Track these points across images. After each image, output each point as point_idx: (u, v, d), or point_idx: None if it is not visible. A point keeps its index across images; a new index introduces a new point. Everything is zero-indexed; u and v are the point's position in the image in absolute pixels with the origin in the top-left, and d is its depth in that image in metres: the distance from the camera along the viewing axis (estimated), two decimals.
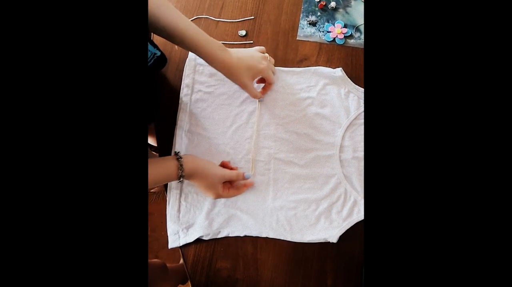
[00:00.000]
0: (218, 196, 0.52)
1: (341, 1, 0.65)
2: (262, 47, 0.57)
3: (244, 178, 0.54)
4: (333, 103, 0.59)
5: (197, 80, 0.61)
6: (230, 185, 0.54)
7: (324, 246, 0.54)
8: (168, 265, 0.78)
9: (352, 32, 0.63)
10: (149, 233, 1.14)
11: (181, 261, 0.91)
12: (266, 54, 0.57)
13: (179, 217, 0.56)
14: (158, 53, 0.54)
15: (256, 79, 0.59)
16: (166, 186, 0.58)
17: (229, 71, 0.53)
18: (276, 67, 0.61)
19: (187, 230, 0.56)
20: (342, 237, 0.53)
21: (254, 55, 0.54)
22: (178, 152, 0.52)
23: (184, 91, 0.60)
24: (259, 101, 0.58)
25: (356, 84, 0.60)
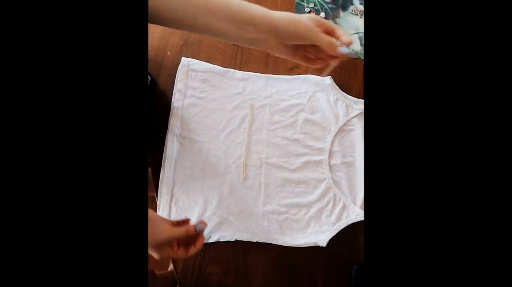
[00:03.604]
0: (162, 257, 0.43)
1: (330, 12, 0.67)
2: None
3: (195, 232, 0.44)
4: (323, 109, 0.60)
5: (189, 86, 0.61)
6: (184, 240, 0.45)
7: (314, 250, 0.55)
8: (156, 272, 0.77)
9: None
10: None
11: (170, 267, 0.90)
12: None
13: None
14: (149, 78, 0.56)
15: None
16: (156, 190, 0.58)
17: (289, 20, 0.40)
18: (267, 75, 0.63)
19: None
20: (331, 241, 0.54)
21: None
22: None
23: (176, 97, 0.61)
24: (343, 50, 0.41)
25: (344, 92, 0.62)
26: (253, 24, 0.39)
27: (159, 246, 0.41)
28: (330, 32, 0.42)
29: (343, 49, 0.40)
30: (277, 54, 0.44)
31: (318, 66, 0.45)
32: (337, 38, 0.41)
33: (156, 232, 0.41)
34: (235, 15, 0.38)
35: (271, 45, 0.41)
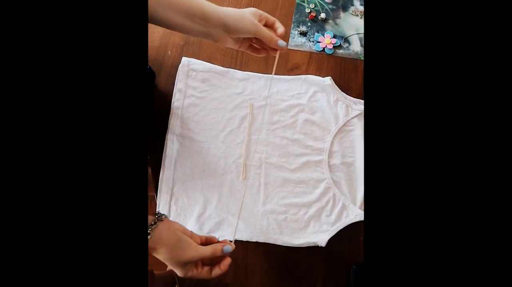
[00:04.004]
0: (186, 276, 0.41)
1: (330, 13, 0.67)
2: None
3: (222, 253, 0.42)
4: (323, 110, 0.60)
5: (190, 85, 0.61)
6: (209, 259, 0.43)
7: (313, 250, 0.55)
8: (155, 272, 0.77)
9: (341, 43, 0.65)
10: None
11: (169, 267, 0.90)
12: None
13: None
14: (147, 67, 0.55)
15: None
16: (156, 189, 0.58)
17: (235, 16, 0.44)
18: (267, 75, 0.63)
19: None
20: (330, 241, 0.54)
21: None
22: (161, 215, 0.41)
23: (176, 96, 0.61)
24: (282, 47, 0.47)
25: (344, 92, 0.62)
26: (204, 19, 0.43)
27: (184, 265, 0.40)
28: (270, 25, 0.48)
29: (282, 43, 0.46)
30: (226, 45, 0.48)
31: (262, 55, 0.51)
32: (274, 30, 0.47)
33: (182, 250, 0.40)
34: (191, 10, 0.42)
35: (220, 38, 0.45)
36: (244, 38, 0.48)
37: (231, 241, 0.44)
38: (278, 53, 0.49)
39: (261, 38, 0.46)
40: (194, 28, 0.43)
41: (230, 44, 0.48)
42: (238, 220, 0.48)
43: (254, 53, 0.51)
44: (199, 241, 0.43)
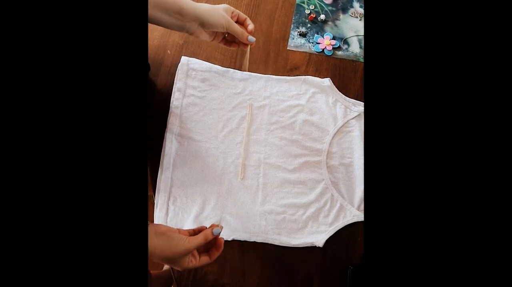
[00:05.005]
0: (186, 269, 0.42)
1: (330, 14, 0.68)
2: None
3: (213, 236, 0.43)
4: (322, 111, 0.61)
5: (189, 85, 0.61)
6: (204, 247, 0.44)
7: (310, 250, 0.55)
8: (151, 272, 0.77)
9: (340, 44, 0.66)
10: None
11: (165, 267, 0.90)
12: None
13: (167, 220, 0.56)
14: None
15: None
16: (154, 189, 0.58)
17: (209, 11, 0.48)
18: (266, 75, 0.63)
19: None
20: (328, 241, 0.55)
21: None
22: None
23: (175, 95, 0.61)
24: (250, 45, 0.53)
25: (343, 94, 0.62)
26: (181, 13, 0.46)
27: (180, 258, 0.41)
28: (241, 22, 0.52)
29: (251, 39, 0.52)
30: (200, 38, 0.52)
31: (234, 48, 0.56)
32: (245, 27, 0.52)
33: (175, 246, 0.40)
34: (168, 5, 0.45)
35: (195, 31, 0.49)
36: (217, 32, 0.52)
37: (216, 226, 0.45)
38: (248, 47, 0.54)
39: (233, 33, 0.51)
40: (170, 22, 0.47)
41: (205, 37, 0.51)
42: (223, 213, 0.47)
43: (226, 45, 0.55)
44: (187, 234, 0.44)
